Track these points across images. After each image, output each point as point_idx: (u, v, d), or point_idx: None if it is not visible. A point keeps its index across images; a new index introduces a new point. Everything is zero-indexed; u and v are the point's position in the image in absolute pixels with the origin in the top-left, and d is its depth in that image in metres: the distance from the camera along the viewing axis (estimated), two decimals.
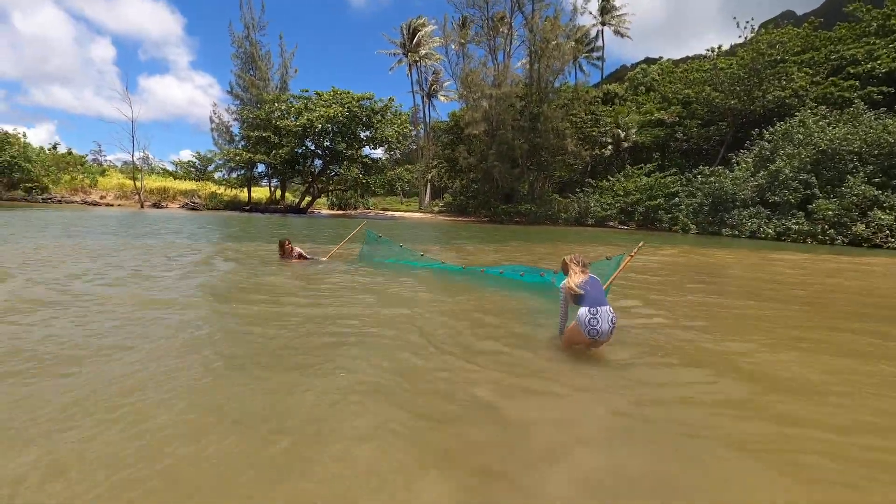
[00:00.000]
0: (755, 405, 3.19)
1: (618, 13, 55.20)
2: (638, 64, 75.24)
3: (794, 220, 25.54)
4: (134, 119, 53.82)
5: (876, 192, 23.66)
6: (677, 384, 3.56)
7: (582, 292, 3.92)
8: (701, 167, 33.59)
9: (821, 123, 27.70)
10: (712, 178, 31.28)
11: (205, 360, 3.60)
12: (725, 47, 39.94)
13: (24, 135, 42.17)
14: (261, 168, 46.35)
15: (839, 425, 2.91)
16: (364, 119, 42.02)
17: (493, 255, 12.84)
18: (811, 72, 34.37)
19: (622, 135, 43.18)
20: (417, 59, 57.83)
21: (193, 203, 42.85)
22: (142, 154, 46.16)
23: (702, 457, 2.52)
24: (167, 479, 2.11)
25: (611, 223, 36.92)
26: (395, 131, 42.72)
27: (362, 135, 43.27)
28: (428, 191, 57.39)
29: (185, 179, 57.96)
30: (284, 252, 9.20)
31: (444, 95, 62.32)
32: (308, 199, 47.49)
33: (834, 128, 26.95)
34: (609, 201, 37.72)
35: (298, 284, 7.04)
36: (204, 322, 4.68)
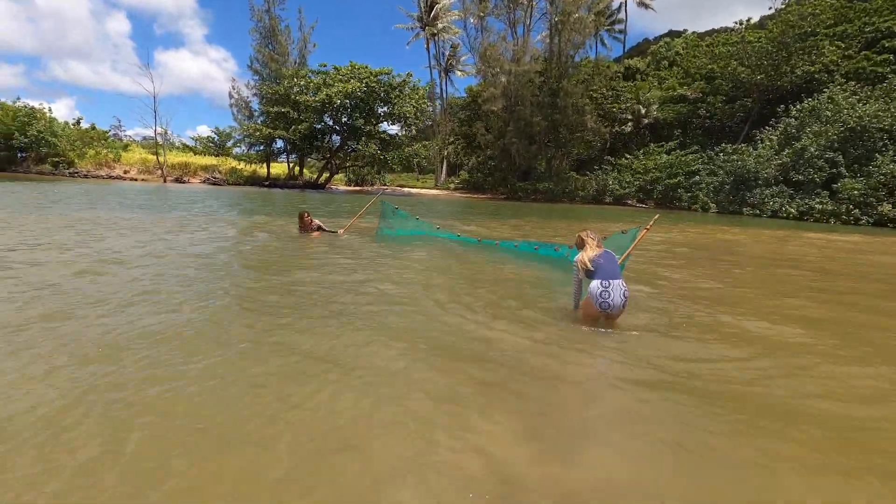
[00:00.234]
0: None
1: None
2: (661, 37, 72.77)
3: (817, 200, 25.14)
4: (156, 94, 54.34)
5: None
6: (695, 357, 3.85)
7: (593, 268, 4.07)
8: (723, 145, 32.97)
9: (851, 100, 26.90)
10: (734, 157, 30.74)
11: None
12: (755, 20, 38.64)
13: (50, 110, 43.03)
14: (279, 143, 46.71)
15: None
16: (382, 94, 41.91)
17: (510, 232, 13.09)
18: (843, 45, 33.17)
19: (643, 111, 42.33)
20: (435, 32, 56.89)
21: (214, 178, 43.56)
22: (161, 129, 46.37)
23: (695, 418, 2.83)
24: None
25: (629, 201, 36.63)
26: (413, 107, 42.55)
27: (380, 110, 43.22)
28: (444, 167, 57.23)
29: (204, 155, 58.67)
30: (304, 224, 9.32)
31: (461, 70, 61.38)
32: (326, 174, 47.89)
33: (865, 104, 26.18)
34: (628, 179, 37.32)
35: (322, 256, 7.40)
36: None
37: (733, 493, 2.04)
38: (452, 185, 51.03)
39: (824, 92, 28.99)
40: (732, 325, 4.42)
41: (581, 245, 4.39)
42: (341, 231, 9.62)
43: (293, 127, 41.77)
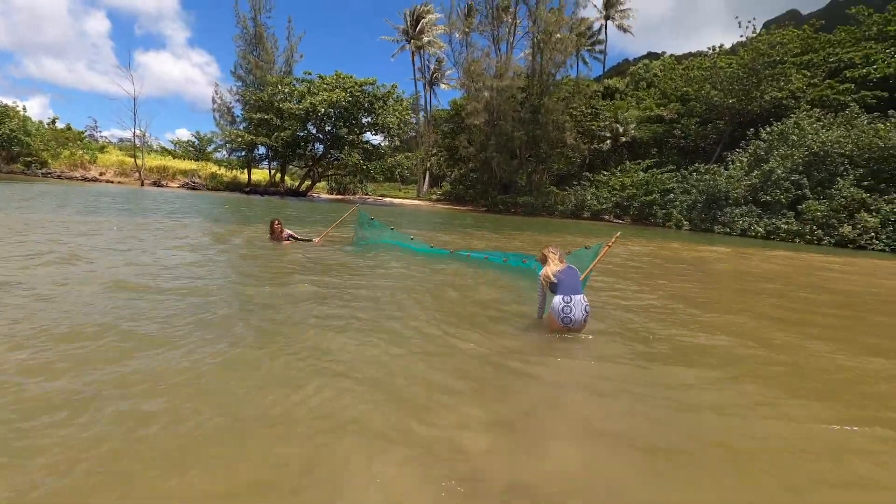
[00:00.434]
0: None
1: (622, 7, 55.23)
2: (640, 59, 75.11)
3: (783, 220, 26.17)
4: (137, 96, 53.37)
5: (864, 195, 24.27)
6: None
7: (556, 281, 4.23)
8: (697, 164, 34.12)
9: (815, 125, 28.22)
10: (707, 176, 31.81)
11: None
12: (729, 45, 40.27)
13: (24, 108, 42.08)
14: (261, 150, 46.47)
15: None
16: (366, 105, 42.19)
17: (486, 243, 13.36)
18: (809, 74, 34.81)
19: (621, 129, 43.55)
20: (420, 45, 57.70)
21: (194, 183, 43.05)
22: (139, 131, 45.60)
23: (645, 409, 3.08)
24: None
25: (606, 217, 37.47)
26: (397, 118, 42.92)
27: (364, 120, 43.47)
28: (426, 178, 57.68)
29: (184, 159, 57.92)
30: (274, 232, 9.13)
31: (445, 83, 62.31)
32: (308, 182, 47.77)
33: (827, 130, 27.47)
34: (605, 195, 38.21)
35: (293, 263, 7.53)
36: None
37: (683, 492, 2.23)
38: (434, 197, 51.41)
39: (791, 117, 30.32)
40: (690, 333, 4.71)
41: (544, 260, 4.53)
42: (317, 240, 9.57)
43: (276, 134, 41.65)
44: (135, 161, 43.41)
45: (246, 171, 47.82)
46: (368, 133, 45.13)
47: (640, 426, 2.79)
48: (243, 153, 46.15)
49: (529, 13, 41.65)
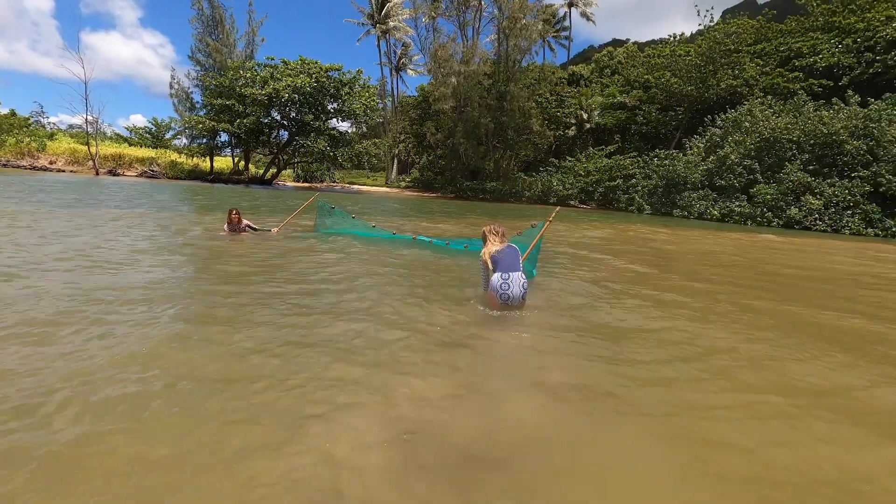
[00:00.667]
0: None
1: None
2: (605, 45, 76.31)
3: (737, 203, 27.46)
4: (88, 80, 50.72)
5: (809, 179, 25.67)
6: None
7: (494, 260, 4.37)
8: (657, 150, 35.21)
9: (766, 113, 29.54)
10: (667, 162, 32.91)
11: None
12: (690, 33, 41.47)
13: None
14: (223, 137, 45.15)
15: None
16: (332, 91, 41.47)
17: (455, 227, 13.63)
18: (762, 62, 36.26)
19: (585, 116, 44.38)
20: (386, 30, 56.86)
21: (153, 171, 41.58)
22: (91, 117, 43.45)
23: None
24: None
25: (572, 202, 38.31)
26: (363, 104, 42.41)
27: (329, 106, 42.75)
28: (395, 165, 57.37)
29: (140, 146, 55.66)
30: (231, 222, 8.88)
31: (412, 69, 61.77)
32: (273, 170, 46.78)
33: (777, 117, 28.82)
34: (571, 181, 39.01)
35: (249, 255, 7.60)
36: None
37: (628, 438, 2.55)
38: (403, 184, 51.27)
39: (745, 105, 31.62)
40: (632, 298, 5.10)
41: (484, 239, 4.67)
42: (275, 229, 9.41)
43: (238, 120, 40.51)
44: (88, 149, 41.49)
45: (208, 158, 46.39)
46: (335, 120, 44.47)
47: (577, 378, 3.15)
48: (205, 140, 44.73)
49: None
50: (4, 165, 37.56)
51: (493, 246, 4.51)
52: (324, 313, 4.31)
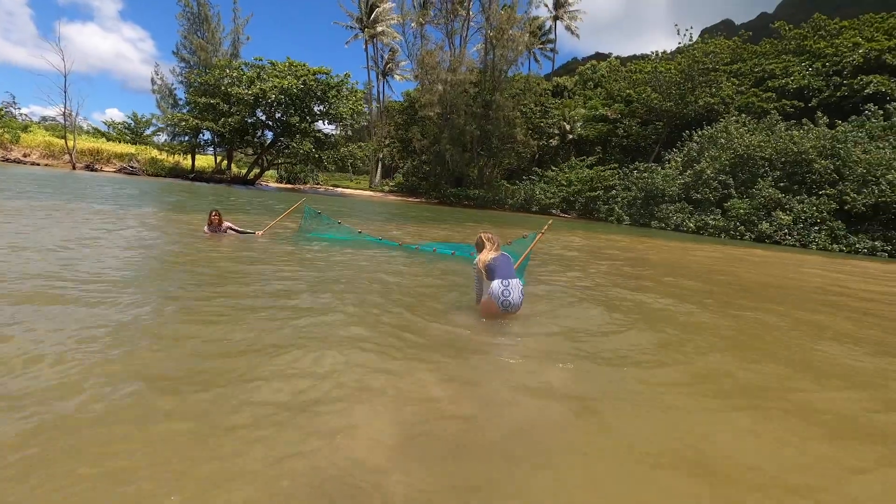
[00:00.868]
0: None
1: (571, 8, 56.96)
2: (589, 58, 78.12)
3: (711, 217, 28.44)
4: (67, 72, 49.21)
5: (780, 195, 26.80)
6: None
7: (491, 267, 4.41)
8: (637, 163, 36.22)
9: (741, 130, 30.74)
10: (646, 174, 33.87)
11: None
12: (670, 50, 42.89)
13: None
14: (206, 135, 44.55)
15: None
16: (319, 93, 41.44)
17: (439, 233, 13.88)
18: (737, 82, 37.72)
19: (568, 127, 45.33)
20: (374, 34, 57.10)
21: (132, 167, 40.77)
22: (67, 110, 42.31)
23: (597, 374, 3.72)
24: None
25: (554, 211, 39.01)
26: (350, 108, 42.47)
27: (316, 109, 42.68)
28: (379, 169, 57.46)
29: (119, 141, 54.48)
30: (212, 224, 8.62)
31: (399, 75, 62.06)
32: (256, 170, 46.36)
33: (751, 135, 30.02)
34: (553, 190, 39.77)
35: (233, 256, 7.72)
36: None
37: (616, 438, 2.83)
38: (387, 188, 51.40)
39: (721, 122, 32.83)
40: (615, 304, 5.43)
41: (480, 245, 4.69)
42: (259, 232, 9.15)
43: (223, 119, 40.06)
44: (65, 142, 40.51)
45: (189, 156, 45.73)
46: (321, 122, 44.37)
47: (573, 383, 3.40)
48: (187, 138, 44.08)
49: (482, 9, 42.42)
50: None
51: (488, 253, 4.54)
52: (310, 314, 4.51)
